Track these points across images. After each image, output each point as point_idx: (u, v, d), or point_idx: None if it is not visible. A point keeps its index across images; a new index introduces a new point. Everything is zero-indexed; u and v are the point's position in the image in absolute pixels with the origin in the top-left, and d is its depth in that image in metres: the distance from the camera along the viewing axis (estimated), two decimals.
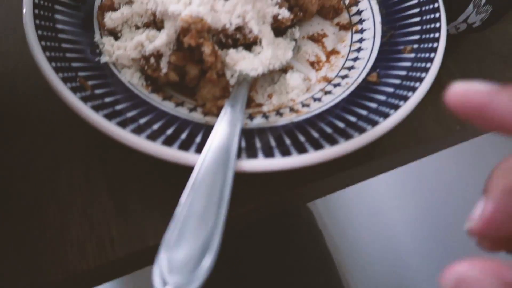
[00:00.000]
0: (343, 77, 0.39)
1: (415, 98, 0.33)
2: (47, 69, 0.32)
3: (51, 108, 0.38)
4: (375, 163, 0.39)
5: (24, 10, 0.35)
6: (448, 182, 0.83)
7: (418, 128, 0.41)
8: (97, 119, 0.30)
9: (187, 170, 0.29)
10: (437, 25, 0.38)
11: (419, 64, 0.36)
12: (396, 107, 0.33)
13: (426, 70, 0.35)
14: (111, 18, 0.38)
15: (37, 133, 0.37)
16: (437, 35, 0.37)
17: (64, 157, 0.36)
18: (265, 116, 0.36)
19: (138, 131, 0.31)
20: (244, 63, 0.36)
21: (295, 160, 0.30)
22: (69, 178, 0.35)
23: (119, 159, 0.36)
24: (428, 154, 0.44)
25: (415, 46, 0.37)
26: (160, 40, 0.35)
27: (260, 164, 0.30)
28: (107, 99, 0.33)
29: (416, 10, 0.40)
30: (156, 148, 0.30)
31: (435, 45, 0.36)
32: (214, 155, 0.29)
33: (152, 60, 0.36)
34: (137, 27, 0.38)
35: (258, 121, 0.36)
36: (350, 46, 0.42)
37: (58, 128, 0.37)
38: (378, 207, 1.00)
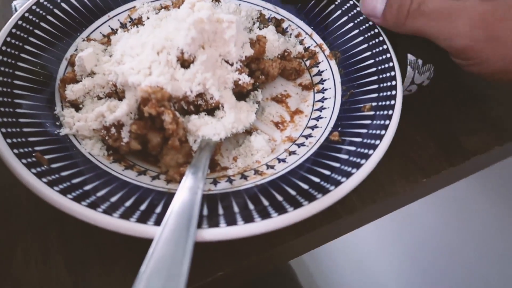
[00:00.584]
0: (307, 136, 0.39)
1: (376, 156, 0.34)
2: (1, 145, 0.31)
3: (8, 183, 0.37)
4: (344, 221, 0.39)
5: None
6: (430, 226, 0.82)
7: (385, 182, 0.41)
8: (51, 194, 0.29)
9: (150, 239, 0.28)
10: (393, 82, 0.39)
11: (378, 122, 0.36)
12: (358, 165, 0.33)
13: (385, 127, 0.36)
14: (72, 90, 0.38)
15: None
16: (393, 92, 0.38)
17: (21, 233, 0.35)
18: (230, 180, 0.36)
19: (95, 205, 0.30)
20: (206, 128, 0.36)
21: (258, 226, 0.29)
22: (26, 255, 0.33)
23: (77, 233, 0.34)
24: (396, 208, 0.44)
25: (374, 104, 0.38)
26: (120, 110, 0.35)
27: (222, 232, 0.29)
28: (64, 173, 0.32)
29: (373, 69, 0.41)
30: (113, 222, 0.29)
31: (392, 102, 0.37)
32: (174, 225, 0.28)
33: (113, 130, 0.35)
34: (99, 98, 0.39)
35: (223, 186, 0.35)
36: (313, 105, 0.43)
37: (15, 203, 0.36)
38: (363, 254, 0.98)
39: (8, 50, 0.38)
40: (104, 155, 0.36)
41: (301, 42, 0.47)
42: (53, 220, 0.35)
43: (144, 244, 0.29)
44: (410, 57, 0.41)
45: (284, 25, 0.48)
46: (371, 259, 0.96)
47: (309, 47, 0.47)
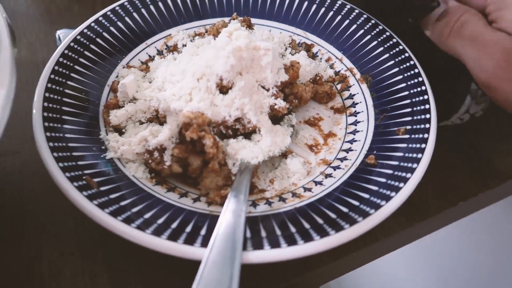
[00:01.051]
0: (342, 159, 0.40)
1: (414, 179, 0.34)
2: (54, 169, 0.33)
3: (57, 205, 0.38)
4: (381, 244, 0.39)
5: (34, 112, 0.37)
6: (460, 250, 0.81)
7: (420, 206, 0.41)
8: (103, 217, 0.30)
9: (194, 262, 0.29)
10: (427, 106, 0.40)
11: (414, 145, 0.37)
12: (396, 189, 0.34)
13: (421, 150, 0.36)
14: (116, 115, 0.39)
15: (43, 231, 0.37)
16: (427, 116, 0.39)
17: (69, 253, 0.36)
18: (269, 202, 0.37)
19: (143, 227, 0.31)
20: (244, 152, 0.38)
21: (302, 249, 0.30)
22: (74, 275, 0.35)
23: (124, 255, 0.36)
24: (432, 231, 0.44)
25: (408, 127, 0.39)
26: (163, 134, 0.37)
27: (266, 255, 0.30)
28: (113, 196, 0.33)
29: (405, 93, 0.42)
30: (162, 244, 0.30)
31: (427, 125, 0.38)
32: (220, 247, 0.29)
33: (156, 153, 0.37)
34: (141, 123, 0.40)
35: (262, 208, 0.36)
36: (346, 128, 0.43)
37: (64, 225, 0.37)
38: (389, 278, 0.97)
39: (57, 78, 0.40)
40: (147, 178, 0.37)
41: (331, 66, 0.48)
42: (99, 241, 0.36)
43: (185, 266, 0.30)
44: (473, 86, 0.41)
45: (314, 49, 0.50)
46: (398, 284, 0.95)
47: (339, 71, 0.48)
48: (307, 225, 0.33)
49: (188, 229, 0.32)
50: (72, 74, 0.41)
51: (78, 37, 0.44)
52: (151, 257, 0.35)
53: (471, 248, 0.77)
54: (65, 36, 0.49)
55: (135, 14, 0.48)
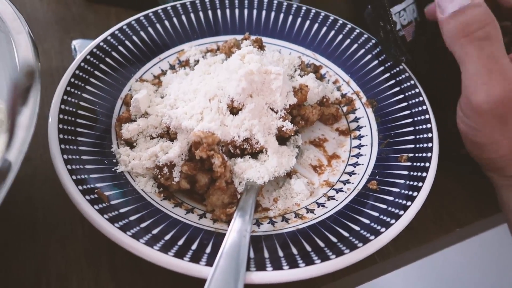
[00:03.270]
0: (345, 182, 0.41)
1: (414, 208, 0.35)
2: (68, 182, 0.34)
3: (66, 212, 0.39)
4: (379, 266, 0.40)
5: (50, 121, 0.38)
6: (457, 270, 0.82)
7: (419, 230, 0.42)
8: (114, 232, 0.32)
9: (196, 279, 0.30)
10: (429, 135, 0.41)
11: (415, 173, 0.38)
12: (396, 216, 0.35)
13: (422, 179, 0.37)
14: (127, 129, 0.41)
15: (51, 239, 0.38)
16: (430, 144, 0.40)
17: (76, 261, 0.37)
18: (272, 222, 0.38)
19: (151, 242, 0.32)
20: (251, 171, 0.39)
21: (303, 272, 0.31)
22: (80, 282, 0.36)
23: (127, 264, 0.37)
24: (429, 254, 0.45)
25: (411, 155, 0.40)
26: (173, 151, 0.38)
27: (269, 276, 0.31)
28: (122, 210, 0.34)
29: (409, 120, 0.43)
30: (169, 261, 0.31)
31: (429, 154, 0.39)
32: (225, 267, 0.30)
33: (165, 169, 0.38)
34: (152, 137, 0.42)
35: (266, 228, 0.37)
36: (350, 151, 0.45)
37: (71, 233, 0.38)
38: None
39: (72, 90, 0.41)
40: (155, 192, 0.38)
41: (338, 89, 0.50)
42: (105, 250, 0.37)
43: (191, 280, 0.31)
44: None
45: (322, 71, 0.51)
46: None
47: (346, 93, 0.49)
48: (308, 248, 0.34)
49: (194, 246, 0.33)
50: (87, 87, 0.43)
51: (95, 50, 0.46)
52: (158, 268, 0.36)
53: (469, 264, 0.78)
54: (81, 47, 0.50)
55: (150, 29, 0.50)
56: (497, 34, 0.36)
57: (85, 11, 0.61)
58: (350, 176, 0.42)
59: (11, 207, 0.40)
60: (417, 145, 0.41)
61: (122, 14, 0.61)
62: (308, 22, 0.53)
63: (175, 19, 0.51)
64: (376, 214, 0.36)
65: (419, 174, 0.38)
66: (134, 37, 0.49)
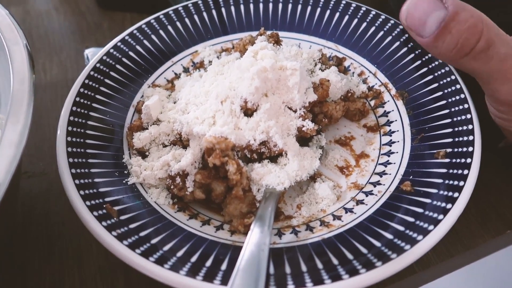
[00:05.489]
0: (375, 184, 0.37)
1: (456, 211, 0.31)
2: (75, 198, 0.32)
3: (81, 228, 0.38)
4: (418, 276, 0.36)
5: (58, 134, 0.37)
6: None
7: (462, 234, 0.38)
8: (121, 250, 0.30)
9: None
10: (470, 126, 0.36)
11: (455, 171, 0.34)
12: (435, 221, 0.31)
13: (464, 177, 0.33)
14: (139, 138, 0.39)
15: (66, 255, 0.37)
16: (471, 137, 0.35)
17: (90, 278, 0.35)
18: (295, 231, 0.35)
19: (162, 260, 0.30)
20: (270, 177, 0.36)
21: None
22: None
23: (142, 282, 0.35)
24: (475, 260, 0.40)
25: (449, 150, 0.36)
26: (185, 159, 0.35)
27: None
28: (132, 226, 0.32)
29: (446, 111, 0.38)
30: (180, 280, 0.28)
31: (470, 148, 0.35)
32: (241, 285, 0.28)
33: (178, 179, 0.36)
34: (164, 145, 0.39)
35: (288, 238, 0.34)
36: (380, 149, 0.41)
37: (86, 250, 0.37)
38: None
39: (82, 100, 0.40)
40: (169, 204, 0.36)
41: (364, 81, 0.46)
42: (120, 268, 0.36)
43: None
44: None
45: (346, 63, 0.47)
46: None
47: (373, 86, 0.45)
48: (335, 261, 0.30)
49: (208, 263, 0.30)
50: (98, 96, 0.41)
51: (104, 57, 0.44)
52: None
53: None
54: (93, 55, 0.49)
55: (161, 32, 0.48)
56: (493, 27, 0.31)
57: (100, 19, 0.60)
58: (381, 176, 0.38)
59: (27, 224, 0.39)
60: (456, 139, 0.36)
61: (137, 19, 0.60)
62: (328, 12, 0.49)
63: (187, 20, 0.49)
64: (411, 219, 0.32)
65: (460, 171, 0.34)
66: (145, 41, 0.47)
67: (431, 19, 0.31)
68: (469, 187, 0.32)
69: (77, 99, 0.40)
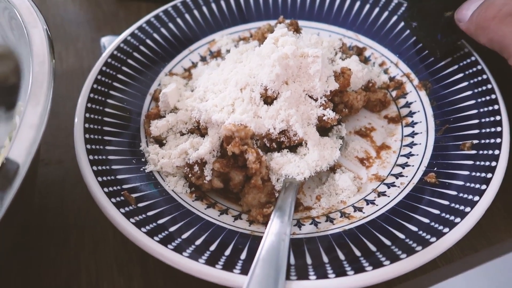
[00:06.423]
0: (397, 175, 0.36)
1: (483, 203, 0.30)
2: (93, 184, 0.32)
3: (97, 216, 0.37)
4: (441, 271, 0.35)
5: (76, 121, 0.36)
6: None
7: (487, 228, 0.36)
8: (140, 237, 0.29)
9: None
10: (497, 117, 0.35)
11: (482, 163, 0.33)
12: (462, 214, 0.30)
13: (492, 169, 0.32)
14: (156, 126, 0.38)
15: (82, 245, 0.36)
16: (498, 129, 0.34)
17: (107, 267, 0.35)
18: (315, 222, 0.34)
19: (180, 248, 0.29)
20: (289, 167, 0.35)
21: (352, 281, 0.27)
22: None
23: (160, 272, 0.34)
24: (502, 255, 0.39)
25: (475, 141, 0.34)
26: (203, 148, 0.35)
27: (312, 286, 0.27)
28: (150, 213, 0.32)
29: (472, 102, 0.37)
30: (200, 269, 0.28)
31: (498, 140, 0.33)
32: (261, 275, 0.27)
33: (196, 167, 0.35)
34: (182, 134, 0.39)
35: (308, 229, 0.33)
36: (402, 140, 0.40)
37: (102, 239, 0.37)
38: None
39: (99, 87, 0.39)
40: (186, 193, 0.36)
41: (385, 71, 0.45)
42: (138, 257, 0.35)
43: None
44: None
45: (367, 53, 0.46)
46: None
47: (395, 76, 0.44)
48: (357, 252, 0.29)
49: (228, 252, 0.30)
50: (115, 84, 0.41)
51: (122, 45, 0.44)
52: (190, 276, 0.33)
53: None
54: (110, 43, 0.48)
55: (178, 20, 0.47)
56: None
57: (116, 9, 0.60)
58: (403, 168, 0.37)
59: (43, 211, 0.39)
60: (483, 130, 0.35)
61: (153, 9, 0.59)
62: (348, 1, 0.48)
63: (204, 8, 0.48)
64: (436, 211, 0.31)
65: (487, 163, 0.32)
66: (163, 29, 0.46)
67: (470, 9, 0.35)
68: (497, 178, 0.31)
69: (95, 86, 0.39)
